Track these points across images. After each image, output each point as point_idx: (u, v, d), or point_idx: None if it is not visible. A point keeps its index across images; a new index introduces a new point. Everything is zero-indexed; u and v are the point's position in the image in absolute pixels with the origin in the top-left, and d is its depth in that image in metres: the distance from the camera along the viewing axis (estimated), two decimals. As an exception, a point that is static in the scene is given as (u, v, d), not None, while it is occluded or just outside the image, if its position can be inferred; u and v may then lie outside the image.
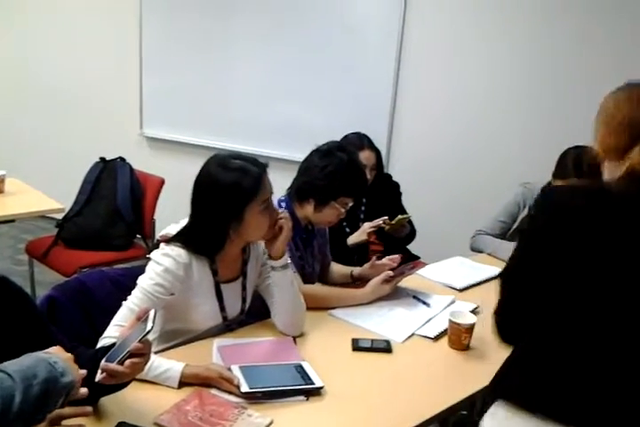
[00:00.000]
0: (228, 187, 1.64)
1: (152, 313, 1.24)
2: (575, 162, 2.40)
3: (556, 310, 1.23)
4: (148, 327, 1.20)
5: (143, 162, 3.59)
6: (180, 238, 1.70)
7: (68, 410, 1.12)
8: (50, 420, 1.12)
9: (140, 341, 1.20)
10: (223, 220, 1.66)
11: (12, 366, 1.00)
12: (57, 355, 1.07)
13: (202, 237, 1.68)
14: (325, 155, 2.08)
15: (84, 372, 1.11)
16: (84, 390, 1.10)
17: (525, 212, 2.59)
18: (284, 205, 2.09)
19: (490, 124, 3.48)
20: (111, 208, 3.25)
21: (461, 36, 3.45)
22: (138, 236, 3.33)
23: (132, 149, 4.06)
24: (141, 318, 1.26)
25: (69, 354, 1.11)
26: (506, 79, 3.41)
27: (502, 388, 1.32)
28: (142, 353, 1.23)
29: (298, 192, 2.10)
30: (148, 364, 1.45)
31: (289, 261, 1.83)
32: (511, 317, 1.33)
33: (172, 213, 2.12)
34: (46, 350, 1.09)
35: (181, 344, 1.74)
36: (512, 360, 1.34)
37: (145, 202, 3.34)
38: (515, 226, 2.61)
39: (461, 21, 3.43)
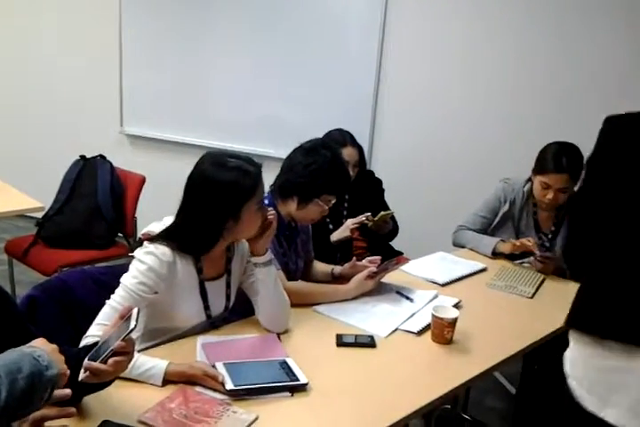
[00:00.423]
0: (226, 186, 1.63)
1: (135, 311, 1.23)
2: (555, 157, 2.43)
3: (624, 240, 1.26)
4: (132, 326, 1.19)
5: (124, 160, 3.56)
6: (165, 236, 1.69)
7: (51, 411, 1.12)
8: (33, 421, 1.11)
9: (123, 339, 1.19)
10: (219, 218, 1.65)
11: None
12: (41, 348, 1.06)
13: (193, 236, 1.67)
14: (309, 152, 2.08)
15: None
16: (67, 391, 1.08)
17: (506, 207, 2.61)
18: (266, 202, 2.08)
19: (471, 120, 3.51)
20: (92, 206, 3.22)
21: (443, 32, 3.47)
22: (119, 234, 3.31)
23: (112, 147, 4.02)
24: (124, 316, 1.26)
25: (54, 345, 1.10)
26: (487, 75, 3.44)
27: (576, 319, 1.40)
28: (126, 351, 1.22)
29: (281, 189, 2.10)
30: (132, 362, 1.44)
31: (272, 258, 1.82)
32: (580, 249, 1.37)
33: (153, 211, 2.11)
34: (30, 344, 1.08)
35: (165, 342, 1.73)
36: (583, 292, 1.41)
37: (126, 200, 3.31)
38: (496, 221, 2.63)
39: (442, 16, 3.45)
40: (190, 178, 1.70)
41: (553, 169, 2.42)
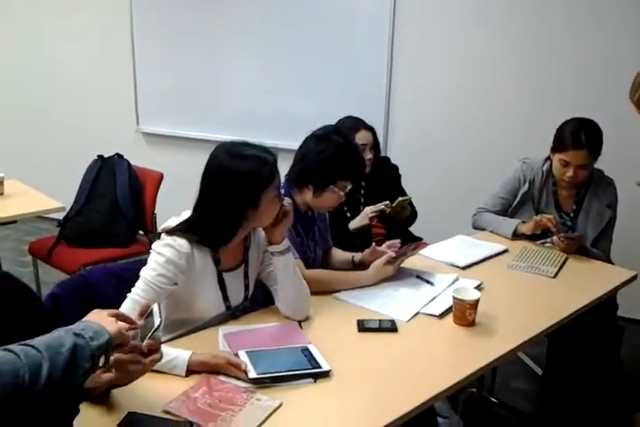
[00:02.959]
0: (245, 175, 1.64)
1: (156, 308, 1.25)
2: (574, 133, 2.38)
3: None
4: (157, 322, 1.20)
5: (141, 158, 3.58)
6: (183, 228, 1.70)
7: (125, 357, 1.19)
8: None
9: (150, 337, 1.20)
10: (240, 207, 1.66)
11: (39, 340, 1.04)
12: (87, 322, 1.11)
13: (213, 227, 1.68)
14: (321, 139, 2.08)
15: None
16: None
17: (526, 187, 2.57)
18: (282, 191, 2.08)
19: (487, 101, 3.47)
20: (111, 205, 3.25)
21: (453, 21, 3.43)
22: (140, 231, 3.34)
23: (129, 146, 4.05)
24: (144, 313, 1.26)
25: (106, 311, 1.17)
26: (503, 54, 3.39)
27: None
28: (155, 349, 1.23)
29: (296, 178, 2.09)
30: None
31: (289, 246, 1.82)
32: None
33: (172, 208, 2.11)
34: (81, 320, 1.14)
35: (186, 334, 1.74)
36: None
37: (145, 197, 3.34)
38: (516, 202, 2.60)
39: (450, 14, 3.42)
40: (207, 170, 1.70)
41: (572, 145, 2.37)
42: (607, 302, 2.32)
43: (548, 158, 2.56)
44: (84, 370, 1.05)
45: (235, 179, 1.65)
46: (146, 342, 1.18)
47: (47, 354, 1.00)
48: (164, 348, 1.50)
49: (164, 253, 1.64)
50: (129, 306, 1.58)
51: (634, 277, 2.23)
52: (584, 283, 2.17)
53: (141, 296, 1.59)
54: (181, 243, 1.66)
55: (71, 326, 1.10)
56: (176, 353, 1.52)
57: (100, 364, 1.09)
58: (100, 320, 1.13)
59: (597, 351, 2.32)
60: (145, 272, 1.64)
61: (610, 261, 2.46)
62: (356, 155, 2.11)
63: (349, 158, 2.06)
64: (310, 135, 2.11)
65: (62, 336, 1.05)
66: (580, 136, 2.36)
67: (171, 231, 1.70)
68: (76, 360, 1.03)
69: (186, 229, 1.70)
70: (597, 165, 2.49)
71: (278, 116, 3.91)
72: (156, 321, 1.19)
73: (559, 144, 2.44)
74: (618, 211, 2.52)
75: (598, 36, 3.15)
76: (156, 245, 1.68)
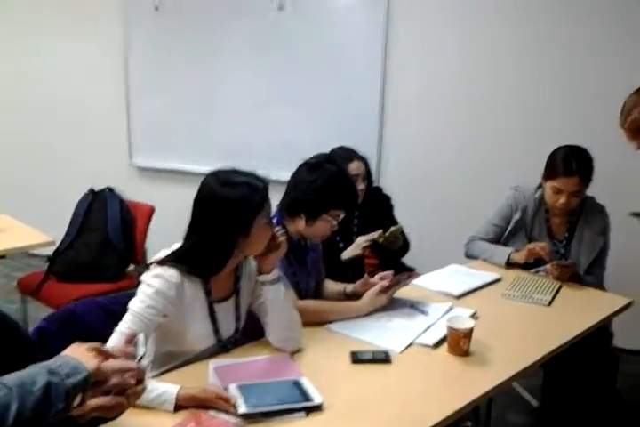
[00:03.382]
0: (236, 203, 1.64)
1: (141, 337, 1.22)
2: (565, 160, 2.40)
3: None
4: (141, 352, 1.17)
5: (134, 191, 3.57)
6: (173, 258, 1.68)
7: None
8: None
9: None
10: (230, 235, 1.65)
11: (10, 376, 1.00)
12: (64, 357, 1.06)
13: (204, 256, 1.66)
14: (314, 168, 2.07)
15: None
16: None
17: (518, 215, 2.57)
18: (275, 220, 2.07)
19: (479, 131, 3.50)
20: (102, 239, 3.23)
21: (443, 45, 3.49)
22: (131, 266, 3.30)
23: (121, 180, 4.03)
24: (130, 342, 1.23)
25: (86, 346, 1.11)
26: (491, 85, 3.44)
27: None
28: (138, 380, 1.19)
29: (288, 207, 2.08)
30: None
31: (280, 275, 1.80)
32: None
33: (164, 242, 2.10)
34: (59, 355, 1.09)
35: (176, 368, 1.70)
36: None
37: (136, 230, 3.32)
38: (508, 229, 2.59)
39: (442, 31, 3.48)
40: (197, 198, 1.70)
41: (563, 172, 2.39)
42: (602, 331, 2.30)
43: (540, 186, 2.57)
44: (57, 410, 1.00)
45: (225, 206, 1.64)
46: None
47: (17, 393, 0.96)
48: (151, 383, 1.48)
49: (154, 284, 1.62)
50: (116, 340, 1.54)
51: (628, 305, 2.21)
52: (578, 311, 2.15)
53: (129, 328, 1.55)
54: (171, 273, 1.64)
55: (48, 362, 1.06)
56: (164, 388, 1.48)
57: (76, 403, 1.04)
58: (78, 355, 1.08)
59: (593, 382, 2.28)
60: (133, 304, 1.62)
61: (603, 289, 2.45)
62: (349, 184, 2.10)
63: (342, 187, 2.05)
64: (303, 164, 2.11)
65: (36, 373, 1.00)
66: (571, 163, 2.38)
67: (161, 262, 1.68)
68: (49, 399, 0.98)
69: (176, 259, 1.68)
70: (589, 193, 2.50)
71: (273, 147, 3.92)
72: (140, 351, 1.16)
73: (551, 171, 2.45)
74: (610, 238, 2.51)
75: (591, 61, 3.20)
76: (145, 276, 1.65)
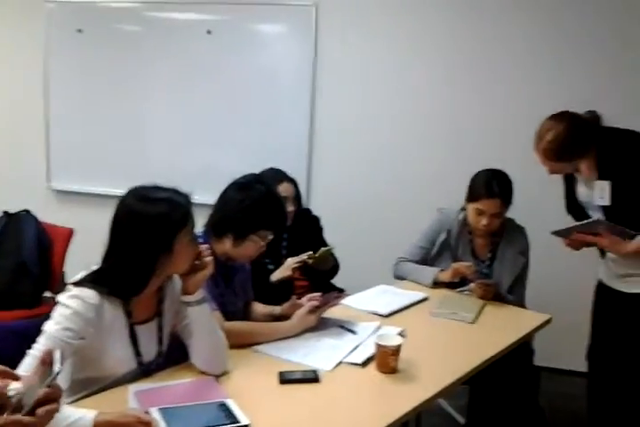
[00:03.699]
0: (156, 219, 1.59)
1: (57, 354, 1.13)
2: (486, 183, 2.48)
3: None
4: (57, 369, 1.09)
5: (52, 215, 3.42)
6: (91, 279, 1.60)
7: None
8: None
9: (48, 385, 1.09)
10: (152, 253, 1.59)
11: None
12: None
13: (124, 276, 1.60)
14: (243, 187, 2.05)
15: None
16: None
17: (443, 236, 2.62)
18: (201, 241, 2.02)
19: (404, 155, 3.58)
20: (17, 263, 3.08)
21: (369, 72, 3.58)
22: (47, 291, 3.14)
23: (39, 203, 3.86)
24: (46, 361, 1.15)
25: None
26: (415, 113, 3.54)
27: None
28: (53, 399, 1.11)
29: (215, 227, 2.04)
30: (56, 414, 1.33)
31: (205, 295, 1.75)
32: None
33: (83, 267, 2.00)
34: None
35: (94, 393, 1.60)
36: None
37: (53, 255, 3.17)
38: (434, 251, 2.64)
39: (369, 58, 3.57)
40: (116, 215, 1.64)
41: (485, 194, 2.46)
42: (524, 348, 2.36)
43: (464, 208, 2.64)
44: None
45: (145, 223, 1.58)
46: (43, 390, 1.07)
47: None
48: (65, 409, 1.38)
49: (71, 305, 1.54)
50: (29, 363, 1.45)
51: (548, 321, 2.28)
52: (501, 327, 2.20)
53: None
54: (90, 294, 1.57)
55: None
56: (80, 414, 1.39)
57: None
58: None
59: (517, 398, 2.32)
60: (48, 326, 1.53)
61: (524, 307, 2.52)
62: (278, 204, 2.09)
63: (271, 207, 2.03)
64: (232, 183, 2.08)
65: None
66: (492, 186, 2.47)
67: (78, 282, 1.61)
68: None
69: (94, 279, 1.61)
70: (509, 215, 2.59)
71: (199, 171, 3.86)
72: (56, 368, 1.08)
73: (473, 194, 2.53)
74: (530, 257, 2.60)
75: (504, 89, 3.36)
76: (61, 297, 1.57)
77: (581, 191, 2.33)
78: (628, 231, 2.12)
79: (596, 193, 2.20)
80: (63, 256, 3.16)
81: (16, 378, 1.04)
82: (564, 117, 2.13)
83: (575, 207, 2.38)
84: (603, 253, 2.36)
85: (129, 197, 1.64)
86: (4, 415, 1.03)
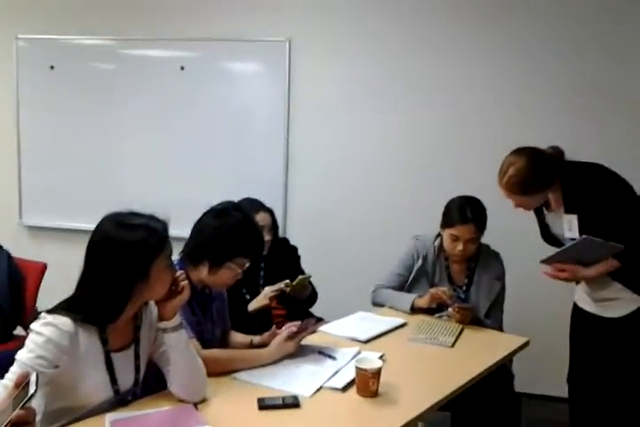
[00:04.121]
0: (133, 245, 1.57)
1: (33, 377, 1.11)
2: (460, 209, 2.53)
3: None
4: (31, 391, 1.07)
5: (24, 252, 3.36)
6: (65, 306, 1.58)
7: None
8: None
9: (22, 407, 1.06)
10: (128, 281, 1.57)
11: None
12: None
13: (99, 303, 1.57)
14: (219, 214, 2.05)
15: None
16: None
17: (420, 262, 2.65)
18: (177, 268, 2.01)
19: (378, 184, 3.63)
20: (-14, 299, 2.99)
21: (341, 104, 3.65)
22: (18, 328, 3.06)
23: (10, 239, 3.79)
24: (21, 384, 1.13)
25: None
26: (388, 141, 3.61)
27: None
28: (26, 422, 1.08)
29: (191, 254, 2.03)
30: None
31: (182, 321, 1.73)
32: None
33: (55, 302, 1.97)
34: None
35: (69, 424, 1.56)
36: None
37: (25, 290, 3.10)
38: (411, 277, 2.66)
39: (340, 91, 3.65)
40: (92, 242, 1.62)
41: (459, 221, 2.50)
42: (503, 372, 2.36)
43: (439, 235, 2.67)
44: None
45: (121, 249, 1.57)
46: (15, 412, 1.04)
47: None
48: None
49: (44, 333, 1.50)
50: (0, 392, 1.40)
51: (526, 344, 2.29)
52: (480, 351, 2.21)
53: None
54: (64, 321, 1.54)
55: None
56: (54, 443, 1.35)
57: None
58: None
59: (499, 422, 2.31)
60: (21, 355, 1.49)
61: (502, 331, 2.53)
62: (255, 231, 2.08)
63: (248, 235, 2.03)
64: (208, 210, 2.08)
65: None
66: (466, 212, 2.51)
67: (52, 310, 1.58)
68: None
69: (69, 306, 1.58)
70: (484, 240, 2.62)
71: (173, 205, 3.79)
72: (31, 389, 1.05)
73: (448, 220, 2.57)
74: (507, 282, 2.63)
75: (479, 118, 3.46)
76: (34, 325, 1.54)
77: (551, 224, 2.38)
78: (617, 246, 2.12)
79: (565, 226, 2.25)
80: (36, 292, 3.10)
81: None
82: (524, 152, 2.19)
83: (550, 237, 2.42)
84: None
85: (105, 222, 1.63)
86: None
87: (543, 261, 2.24)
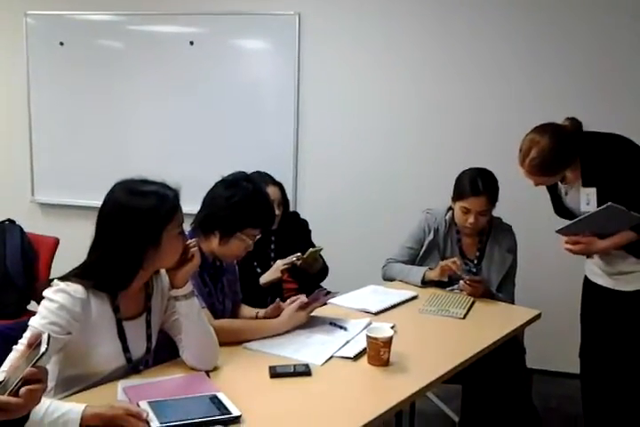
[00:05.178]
0: (144, 212, 1.57)
1: (45, 336, 1.12)
2: (471, 181, 2.49)
3: None
4: (42, 349, 1.07)
5: (36, 229, 3.38)
6: (77, 273, 1.59)
7: None
8: None
9: (33, 365, 1.06)
10: (139, 247, 1.57)
11: None
12: None
13: (111, 270, 1.57)
14: (230, 185, 2.04)
15: None
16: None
17: (431, 236, 2.63)
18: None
19: (389, 156, 3.61)
20: (0, 274, 3.03)
21: (354, 84, 3.63)
22: (32, 302, 3.09)
23: (23, 217, 3.81)
24: (33, 344, 1.13)
25: None
26: (402, 117, 3.57)
27: None
28: (38, 379, 1.09)
29: (202, 225, 2.03)
30: (44, 408, 1.31)
31: (193, 290, 1.73)
32: None
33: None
34: None
35: (81, 391, 1.57)
36: None
37: (38, 265, 3.13)
38: (422, 251, 2.64)
39: (353, 70, 3.62)
40: (103, 209, 1.63)
41: (470, 193, 2.47)
42: (515, 346, 2.36)
43: (450, 208, 2.65)
44: None
45: (133, 216, 1.57)
46: (27, 370, 1.04)
47: None
48: (54, 403, 1.35)
49: (57, 300, 1.51)
50: (15, 357, 1.41)
51: (537, 316, 2.28)
52: (492, 322, 2.21)
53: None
54: (76, 288, 1.54)
55: None
56: (68, 407, 1.36)
57: None
58: None
59: (510, 395, 2.31)
60: (34, 321, 1.50)
61: (514, 304, 2.52)
62: (266, 202, 2.08)
63: (258, 205, 2.02)
64: (220, 181, 2.08)
65: None
66: (477, 184, 2.48)
67: (64, 277, 1.58)
68: None
69: (81, 273, 1.59)
70: (496, 213, 2.60)
71: (183, 181, 3.82)
72: (42, 348, 1.06)
73: (459, 192, 2.54)
74: (518, 255, 2.61)
75: (491, 92, 3.42)
76: (47, 292, 1.55)
77: (567, 198, 2.34)
78: (638, 216, 2.08)
79: (583, 200, 2.21)
80: (49, 266, 3.13)
81: None
82: (546, 131, 2.12)
83: (563, 211, 2.39)
84: None
85: (117, 190, 1.63)
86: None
87: (559, 231, 2.20)
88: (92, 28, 3.93)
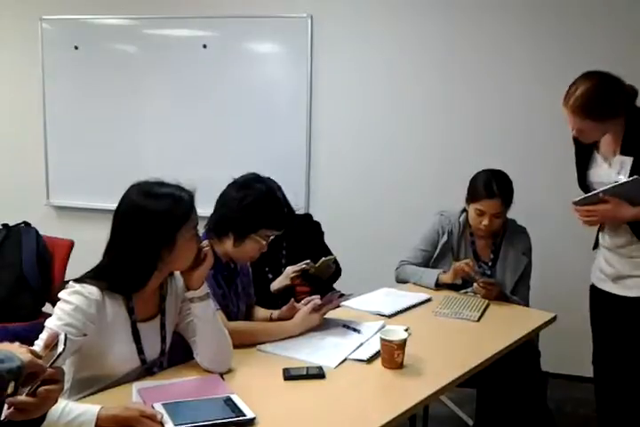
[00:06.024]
0: (159, 214, 1.59)
1: (62, 337, 1.13)
2: (486, 183, 2.48)
3: None
4: (60, 349, 1.08)
5: (51, 232, 3.40)
6: (92, 275, 1.60)
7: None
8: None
9: (50, 366, 1.07)
10: (154, 248, 1.59)
11: None
12: None
13: (126, 271, 1.59)
14: (243, 187, 2.05)
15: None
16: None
17: (445, 238, 2.62)
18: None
19: (402, 159, 3.59)
20: (16, 276, 3.04)
21: (366, 87, 3.61)
22: (47, 304, 3.11)
23: (38, 220, 3.84)
24: (50, 345, 1.14)
25: (16, 344, 1.06)
26: (413, 119, 3.56)
27: None
28: (55, 380, 1.10)
29: (216, 226, 2.03)
30: (60, 409, 1.32)
31: (208, 292, 1.73)
32: None
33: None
34: None
35: (96, 393, 1.58)
36: None
37: (53, 267, 3.15)
38: (436, 253, 2.63)
39: (365, 73, 3.61)
40: (119, 211, 1.64)
41: (485, 195, 2.46)
42: (530, 349, 2.34)
43: (464, 210, 2.64)
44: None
45: (148, 218, 1.58)
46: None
47: None
48: (70, 404, 1.36)
49: (72, 301, 1.52)
50: (30, 358, 1.43)
51: (553, 319, 2.26)
52: (507, 325, 2.19)
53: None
54: (91, 290, 1.56)
55: None
56: (83, 408, 1.37)
57: (9, 391, 0.97)
58: (10, 348, 1.02)
59: (525, 399, 2.29)
60: (50, 323, 1.51)
61: (528, 307, 2.50)
62: (278, 203, 2.08)
63: (271, 206, 2.03)
64: (232, 182, 2.08)
65: None
66: (492, 186, 2.46)
67: (79, 279, 1.60)
68: None
69: (95, 275, 1.60)
70: (510, 215, 2.58)
71: (197, 184, 3.85)
72: (59, 348, 1.07)
73: (473, 194, 2.53)
74: (533, 257, 2.59)
75: (501, 91, 3.40)
76: (62, 294, 1.56)
77: (594, 171, 2.24)
78: None
79: (615, 168, 2.14)
80: (64, 269, 3.14)
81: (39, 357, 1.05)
82: (595, 74, 2.08)
83: (585, 187, 2.30)
84: (596, 244, 2.33)
85: (133, 191, 1.64)
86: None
87: (577, 202, 2.12)
88: (106, 32, 3.97)
